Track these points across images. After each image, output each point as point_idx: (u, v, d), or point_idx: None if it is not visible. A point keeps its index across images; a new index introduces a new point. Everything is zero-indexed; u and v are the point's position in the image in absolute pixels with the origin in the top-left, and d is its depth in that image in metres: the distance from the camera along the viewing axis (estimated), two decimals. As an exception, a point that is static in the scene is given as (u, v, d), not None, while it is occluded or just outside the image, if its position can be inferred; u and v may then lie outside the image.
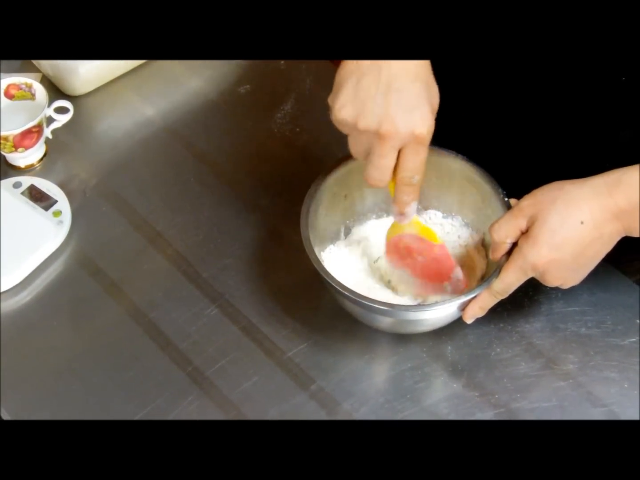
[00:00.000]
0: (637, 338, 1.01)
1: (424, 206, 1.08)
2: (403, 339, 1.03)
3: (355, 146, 0.91)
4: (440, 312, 0.96)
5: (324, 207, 1.03)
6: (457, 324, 1.03)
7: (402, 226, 1.00)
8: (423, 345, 1.02)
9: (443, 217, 1.09)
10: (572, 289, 1.05)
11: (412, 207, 0.96)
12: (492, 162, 1.04)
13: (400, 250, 1.02)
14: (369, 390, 1.00)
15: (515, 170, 1.06)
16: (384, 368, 1.02)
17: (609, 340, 1.01)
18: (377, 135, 0.87)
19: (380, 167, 0.89)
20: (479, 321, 1.03)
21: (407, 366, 1.01)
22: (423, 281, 1.03)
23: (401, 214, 0.96)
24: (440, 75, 0.92)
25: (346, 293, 0.94)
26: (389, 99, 0.87)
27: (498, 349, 1.02)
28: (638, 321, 1.02)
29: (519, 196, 0.95)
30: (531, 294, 1.05)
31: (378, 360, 1.03)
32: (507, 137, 1.12)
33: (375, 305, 0.94)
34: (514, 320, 1.04)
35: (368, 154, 0.90)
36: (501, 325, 1.03)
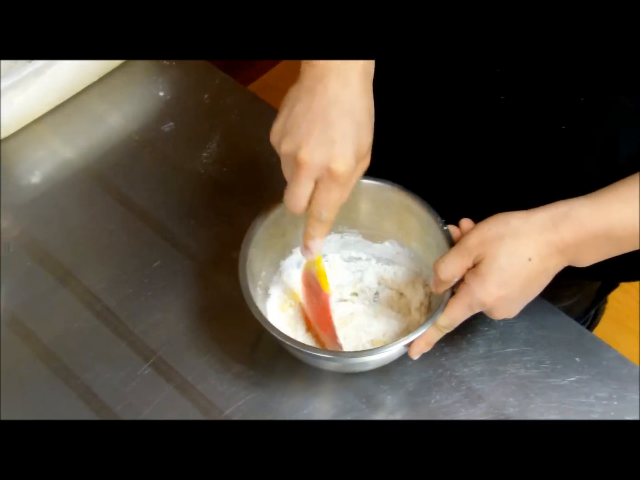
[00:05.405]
0: (576, 377, 1.01)
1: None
2: (341, 391, 1.01)
3: (283, 169, 0.91)
4: (387, 354, 0.95)
5: (260, 250, 1.01)
6: (396, 372, 1.02)
7: (310, 262, 0.99)
8: (362, 396, 1.00)
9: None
10: (510, 329, 1.05)
11: (317, 243, 0.94)
12: (431, 190, 1.02)
13: (305, 285, 1.02)
14: (309, 446, 0.98)
15: (457, 198, 1.05)
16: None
17: (549, 381, 1.00)
18: (295, 162, 0.87)
19: (295, 194, 0.89)
20: (417, 367, 1.02)
21: (346, 418, 0.99)
22: (316, 325, 1.03)
23: (305, 247, 0.95)
24: (378, 98, 0.90)
25: (289, 344, 0.93)
26: (313, 128, 0.86)
27: (437, 396, 1.00)
28: (577, 359, 1.02)
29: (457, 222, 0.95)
30: (469, 337, 1.04)
31: (317, 414, 1.01)
32: (452, 164, 1.10)
33: (320, 354, 0.93)
34: (453, 364, 1.02)
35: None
36: (440, 371, 1.02)
